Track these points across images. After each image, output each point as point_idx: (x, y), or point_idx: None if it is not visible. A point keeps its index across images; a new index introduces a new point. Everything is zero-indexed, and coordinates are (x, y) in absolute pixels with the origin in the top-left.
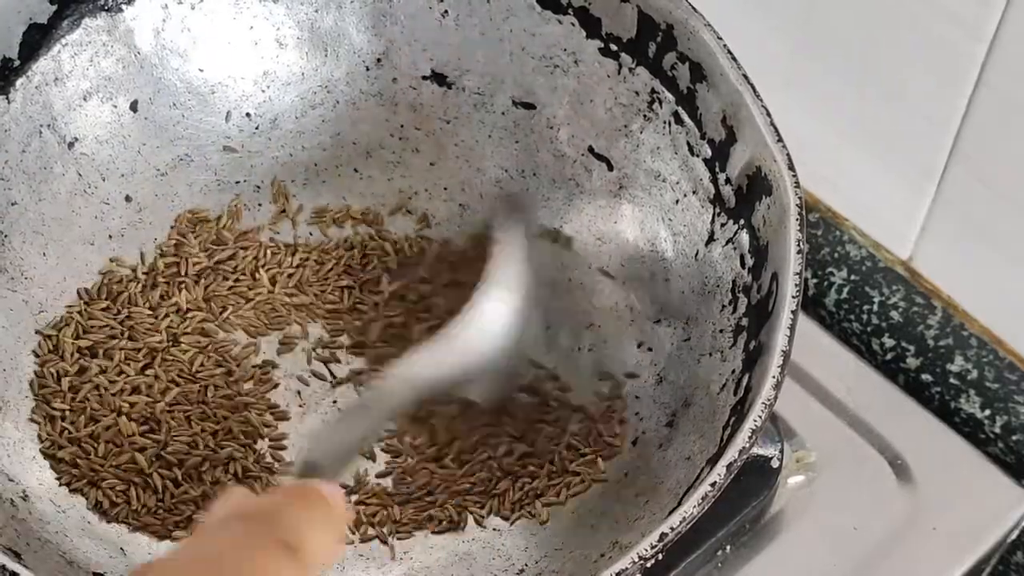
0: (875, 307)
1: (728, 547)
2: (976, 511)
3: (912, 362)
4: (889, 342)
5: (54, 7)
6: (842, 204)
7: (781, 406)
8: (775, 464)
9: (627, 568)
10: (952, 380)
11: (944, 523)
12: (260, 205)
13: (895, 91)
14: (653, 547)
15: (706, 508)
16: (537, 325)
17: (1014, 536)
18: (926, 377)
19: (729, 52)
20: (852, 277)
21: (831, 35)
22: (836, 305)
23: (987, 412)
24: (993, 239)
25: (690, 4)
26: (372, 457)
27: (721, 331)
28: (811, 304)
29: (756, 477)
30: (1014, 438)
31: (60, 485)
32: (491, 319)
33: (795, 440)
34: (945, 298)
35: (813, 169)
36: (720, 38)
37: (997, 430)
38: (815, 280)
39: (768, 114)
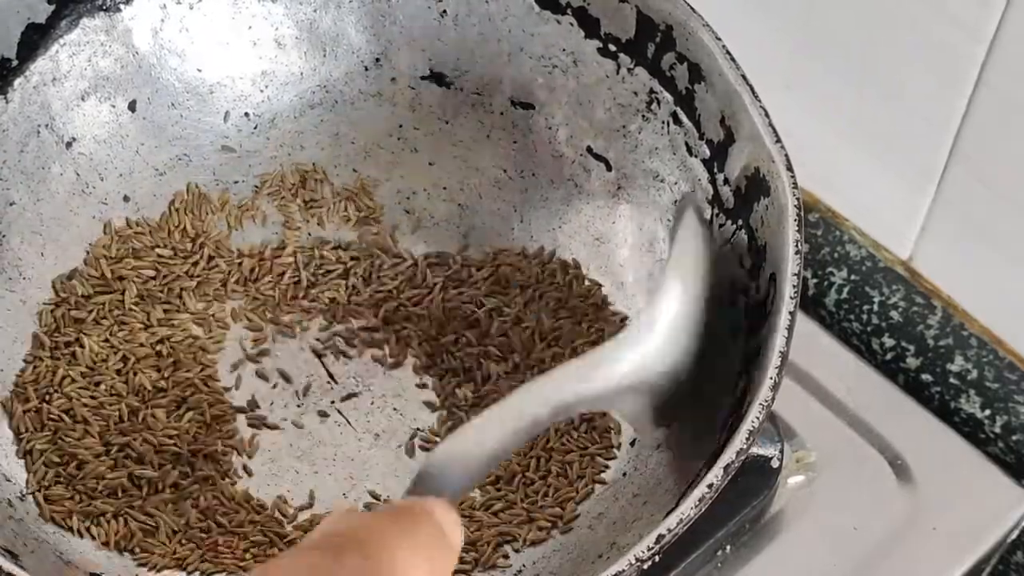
0: (875, 307)
1: (728, 547)
2: (976, 511)
3: (912, 362)
4: (889, 342)
5: (52, 7)
6: (842, 204)
7: (781, 406)
8: (775, 464)
9: (624, 570)
10: (952, 380)
11: (944, 523)
12: (259, 207)
13: (895, 91)
14: (650, 549)
15: (703, 510)
16: (704, 332)
17: (1014, 536)
18: (926, 377)
19: (728, 53)
20: (852, 277)
21: (831, 35)
22: (836, 305)
23: (987, 412)
24: (993, 239)
25: (689, 5)
26: None
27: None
28: (811, 304)
29: (756, 477)
30: (1014, 438)
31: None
32: (666, 329)
33: (795, 440)
34: (945, 298)
35: (813, 169)
36: (719, 39)
37: (997, 430)
38: (815, 280)
39: (766, 115)
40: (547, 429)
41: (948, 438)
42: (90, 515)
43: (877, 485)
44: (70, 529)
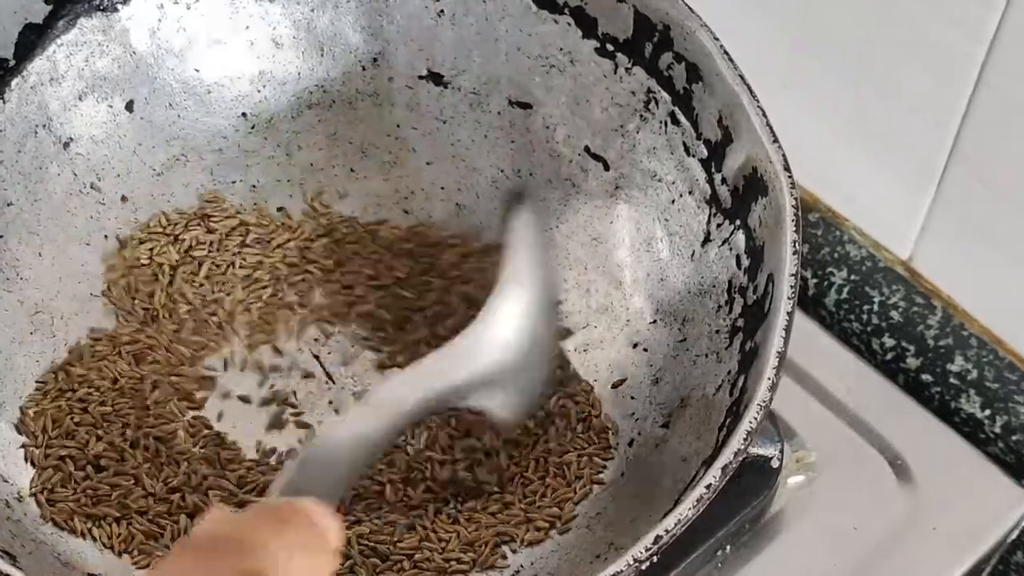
0: (875, 307)
1: (728, 547)
2: (976, 511)
3: (912, 362)
4: (889, 342)
5: (49, 7)
6: (842, 204)
7: (781, 406)
8: (775, 464)
9: (622, 570)
10: (952, 380)
11: (944, 523)
12: (255, 205)
13: (894, 91)
14: (648, 550)
15: (701, 511)
16: (553, 325)
17: (1014, 536)
18: (926, 377)
19: (726, 53)
20: (852, 277)
21: (831, 35)
22: (836, 305)
23: (987, 412)
24: (993, 239)
25: (687, 5)
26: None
27: (717, 332)
28: (811, 304)
29: (756, 477)
30: (1014, 438)
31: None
32: (506, 321)
33: (795, 440)
34: (945, 298)
35: (813, 169)
36: (716, 39)
37: (997, 430)
38: (815, 280)
39: (764, 115)
40: (544, 429)
41: (948, 438)
42: (93, 517)
43: (877, 485)
44: (72, 531)
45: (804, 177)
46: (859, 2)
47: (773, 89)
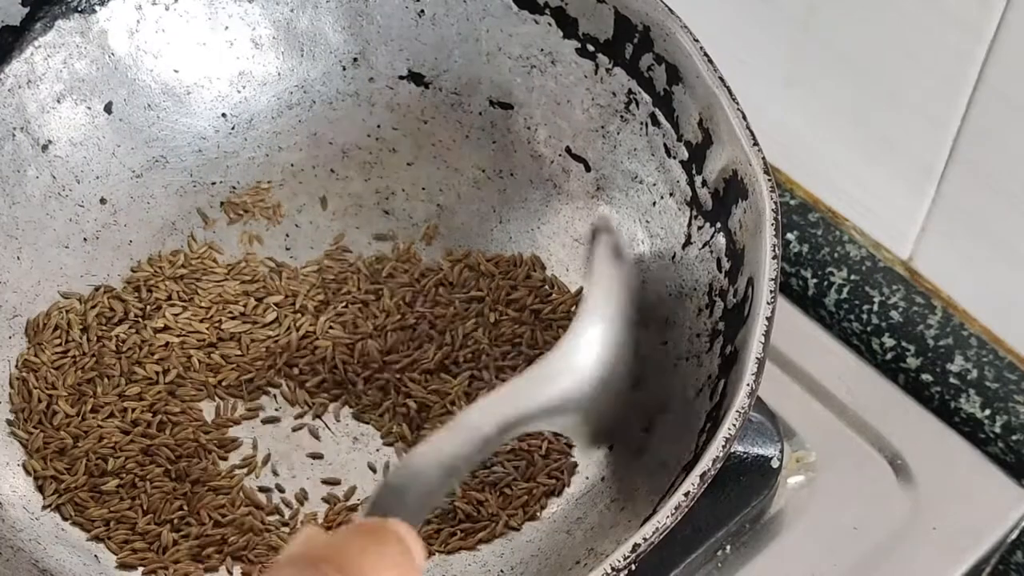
0: (875, 307)
1: (728, 547)
2: (976, 511)
3: (912, 362)
4: (889, 342)
5: (26, 9)
6: (842, 204)
7: (781, 406)
8: (775, 464)
9: None
10: (952, 380)
11: (944, 523)
12: (237, 208)
13: (894, 91)
14: (626, 558)
15: (679, 518)
16: (631, 355)
17: (1014, 536)
18: (926, 377)
19: (706, 55)
20: (852, 277)
21: (832, 35)
22: (836, 305)
23: (987, 412)
24: (993, 239)
25: (667, 6)
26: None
27: (698, 335)
28: (811, 304)
29: (756, 477)
30: (1014, 438)
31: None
32: (587, 350)
33: (795, 440)
34: (945, 298)
35: (813, 169)
36: (696, 40)
37: (997, 430)
38: (815, 280)
39: (744, 117)
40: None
41: (948, 438)
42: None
43: (877, 485)
44: (96, 538)
45: (804, 177)
46: (860, 2)
47: (774, 88)
